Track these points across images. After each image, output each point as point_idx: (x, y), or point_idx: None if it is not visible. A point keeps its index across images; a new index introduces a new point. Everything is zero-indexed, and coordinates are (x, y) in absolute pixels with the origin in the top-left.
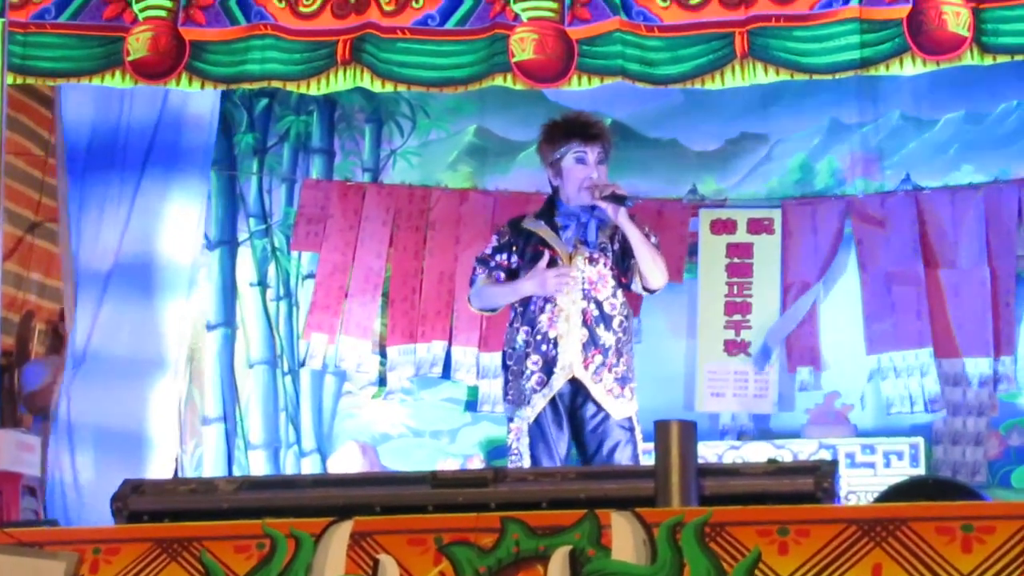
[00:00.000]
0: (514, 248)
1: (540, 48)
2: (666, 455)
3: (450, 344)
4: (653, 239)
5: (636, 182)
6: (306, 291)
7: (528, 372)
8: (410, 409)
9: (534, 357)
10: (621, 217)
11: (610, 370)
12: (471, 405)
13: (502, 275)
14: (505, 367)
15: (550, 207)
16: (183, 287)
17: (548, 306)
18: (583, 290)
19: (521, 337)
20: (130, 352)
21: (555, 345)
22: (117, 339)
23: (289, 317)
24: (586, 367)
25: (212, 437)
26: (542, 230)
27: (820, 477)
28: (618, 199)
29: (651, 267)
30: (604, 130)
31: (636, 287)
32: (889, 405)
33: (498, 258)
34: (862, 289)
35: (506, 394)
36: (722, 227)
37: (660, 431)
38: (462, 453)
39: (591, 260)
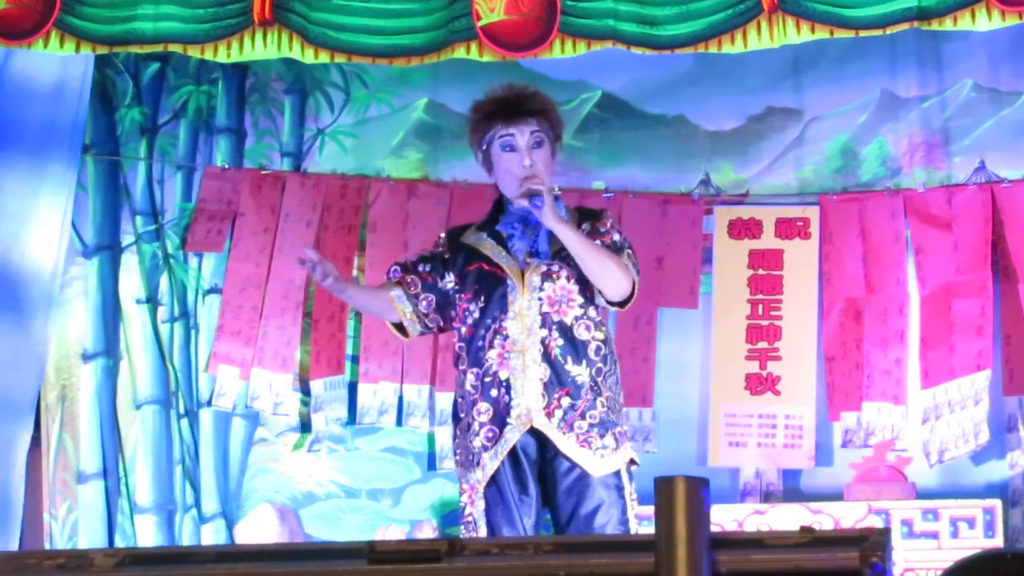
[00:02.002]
0: (447, 265)
1: (513, 6)
2: (670, 521)
3: (402, 383)
4: (616, 238)
5: (633, 171)
6: (208, 310)
7: (476, 425)
8: (341, 462)
9: (482, 405)
10: (548, 218)
11: (584, 415)
12: (427, 459)
13: (417, 285)
14: (456, 419)
15: (496, 212)
16: (42, 304)
17: (497, 339)
18: (541, 314)
19: (470, 381)
20: None
21: (507, 389)
22: None
23: (186, 343)
24: (550, 415)
25: (89, 497)
26: (484, 244)
27: (868, 550)
28: (532, 195)
29: (600, 275)
30: (537, 103)
31: (600, 300)
32: (942, 451)
33: (421, 268)
34: (920, 309)
35: (455, 452)
36: (743, 229)
37: (662, 490)
38: (409, 518)
39: (548, 275)
